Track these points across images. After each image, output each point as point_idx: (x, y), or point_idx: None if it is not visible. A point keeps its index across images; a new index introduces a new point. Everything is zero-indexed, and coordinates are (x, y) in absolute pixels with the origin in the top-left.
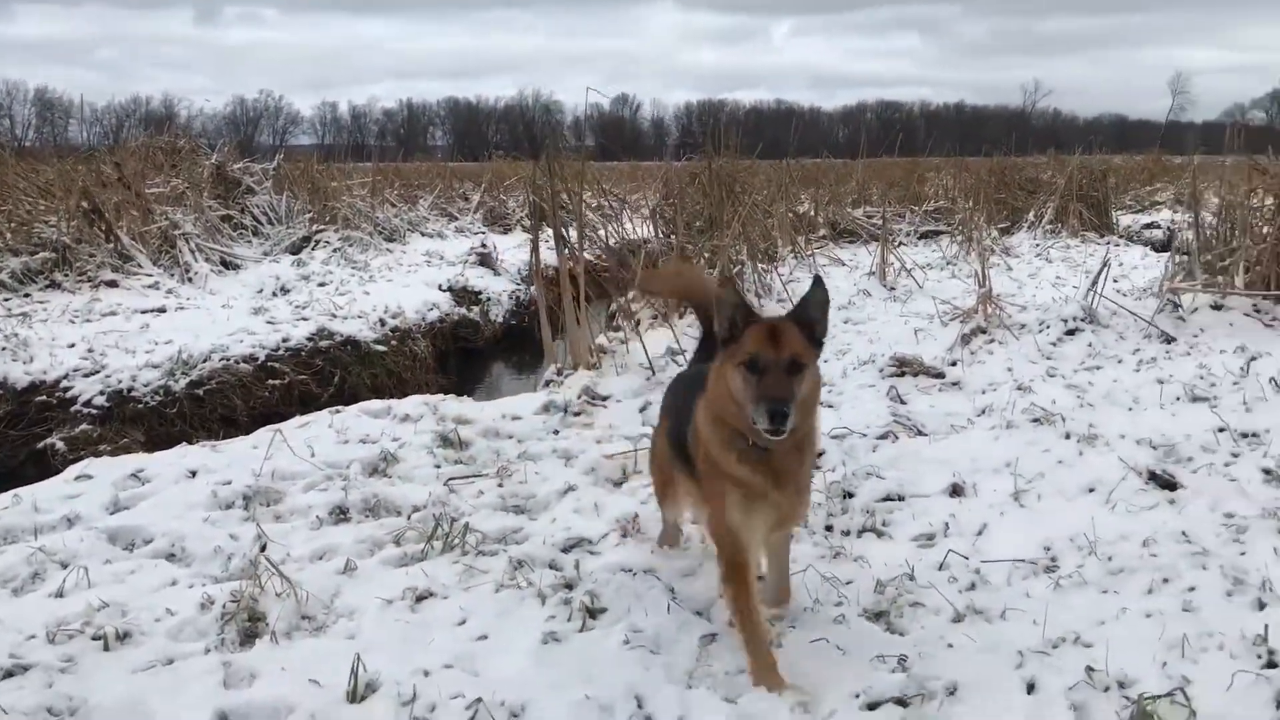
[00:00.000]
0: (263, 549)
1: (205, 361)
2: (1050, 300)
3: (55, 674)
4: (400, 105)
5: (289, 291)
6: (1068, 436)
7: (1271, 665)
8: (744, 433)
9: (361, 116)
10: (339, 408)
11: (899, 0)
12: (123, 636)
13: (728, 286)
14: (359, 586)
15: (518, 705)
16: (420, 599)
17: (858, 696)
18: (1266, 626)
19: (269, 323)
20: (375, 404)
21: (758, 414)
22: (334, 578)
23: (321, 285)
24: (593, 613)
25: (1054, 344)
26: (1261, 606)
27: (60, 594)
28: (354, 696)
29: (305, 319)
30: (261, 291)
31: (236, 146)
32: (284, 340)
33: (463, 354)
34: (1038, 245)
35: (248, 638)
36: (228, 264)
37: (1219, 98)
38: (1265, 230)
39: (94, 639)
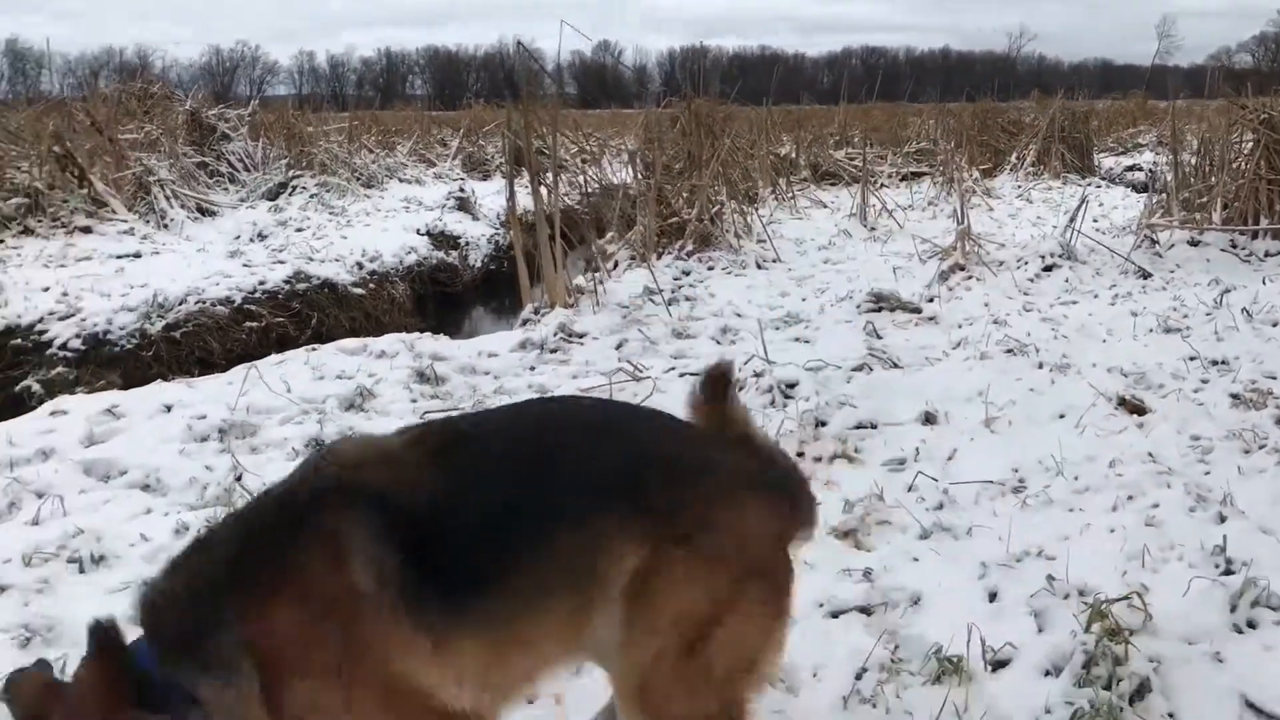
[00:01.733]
0: (238, 478)
1: (181, 304)
2: (1029, 238)
3: (31, 594)
4: (379, 54)
5: (266, 237)
6: (1040, 366)
7: (1228, 572)
8: None
9: (340, 66)
10: (315, 346)
11: None
12: (98, 560)
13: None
14: None
15: None
16: None
17: (821, 605)
18: (1225, 537)
19: (245, 266)
20: (351, 342)
21: None
22: None
23: (299, 230)
24: None
25: (1031, 280)
26: (1222, 520)
27: (36, 522)
28: None
29: (282, 262)
30: (239, 237)
31: (212, 95)
32: (260, 283)
33: (441, 298)
34: (1019, 187)
35: None
36: (204, 210)
37: (1206, 40)
38: (1243, 167)
39: (69, 562)
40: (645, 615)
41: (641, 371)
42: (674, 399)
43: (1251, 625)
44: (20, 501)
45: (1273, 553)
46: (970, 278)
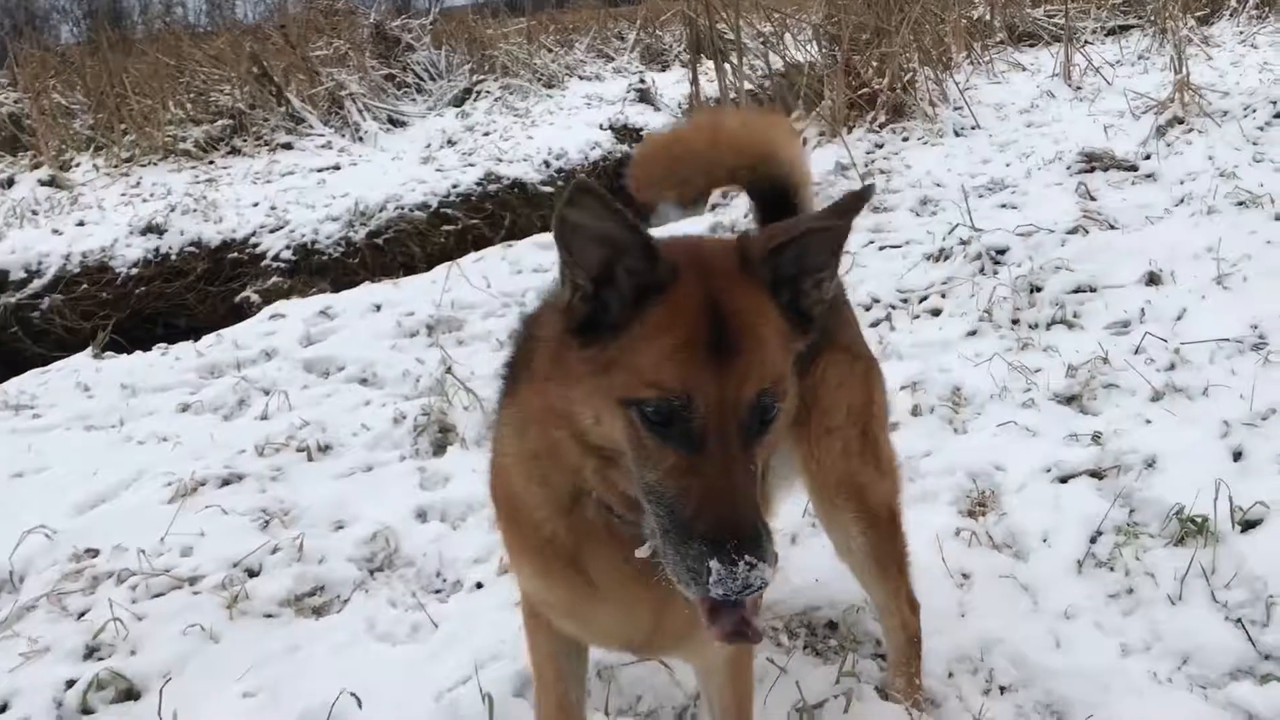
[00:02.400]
0: (448, 370)
1: (381, 211)
2: (1257, 84)
3: (267, 481)
4: None
5: (455, 143)
6: (1277, 218)
7: None
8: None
9: None
10: (511, 243)
11: None
12: (324, 449)
13: (584, 194)
14: None
15: None
16: None
17: (1048, 471)
18: None
19: (438, 171)
20: (545, 236)
21: (682, 558)
22: None
23: (486, 134)
24: None
25: (1261, 129)
26: None
27: (265, 416)
28: None
29: (472, 165)
30: (429, 144)
31: (393, 7)
32: (454, 187)
33: (628, 190)
34: (1241, 33)
35: (439, 448)
36: (394, 121)
37: None
38: None
39: (298, 451)
40: (826, 416)
41: None
42: (873, 273)
43: None
44: (249, 399)
45: None
46: (1191, 130)
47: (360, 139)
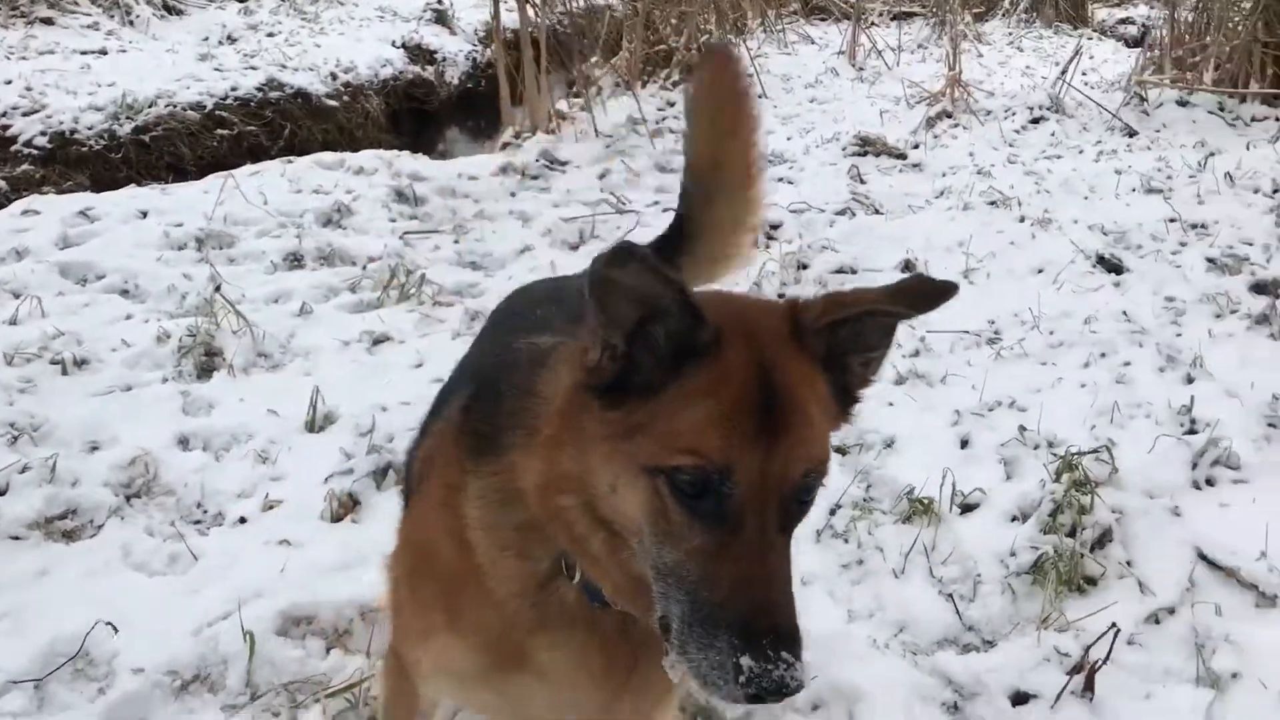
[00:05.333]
0: (217, 289)
1: (151, 107)
2: (1018, 88)
3: (15, 394)
4: None
5: (236, 40)
6: (1022, 220)
7: (1192, 431)
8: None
9: None
10: (291, 158)
11: None
12: (80, 363)
13: (629, 256)
14: (315, 329)
15: None
16: (377, 342)
17: None
18: (1193, 398)
19: (217, 71)
20: (328, 156)
21: (705, 653)
22: (290, 319)
23: (270, 35)
24: None
25: (1018, 131)
26: (1190, 380)
27: (14, 321)
28: (313, 426)
29: (254, 68)
30: (207, 39)
31: None
32: (232, 89)
33: (416, 115)
34: (1010, 34)
35: (204, 371)
36: (170, 8)
37: None
38: (1239, 27)
39: (52, 363)
40: None
41: (625, 204)
42: (657, 233)
43: (1210, 483)
44: None
45: (1236, 415)
46: (957, 125)
47: (131, 23)
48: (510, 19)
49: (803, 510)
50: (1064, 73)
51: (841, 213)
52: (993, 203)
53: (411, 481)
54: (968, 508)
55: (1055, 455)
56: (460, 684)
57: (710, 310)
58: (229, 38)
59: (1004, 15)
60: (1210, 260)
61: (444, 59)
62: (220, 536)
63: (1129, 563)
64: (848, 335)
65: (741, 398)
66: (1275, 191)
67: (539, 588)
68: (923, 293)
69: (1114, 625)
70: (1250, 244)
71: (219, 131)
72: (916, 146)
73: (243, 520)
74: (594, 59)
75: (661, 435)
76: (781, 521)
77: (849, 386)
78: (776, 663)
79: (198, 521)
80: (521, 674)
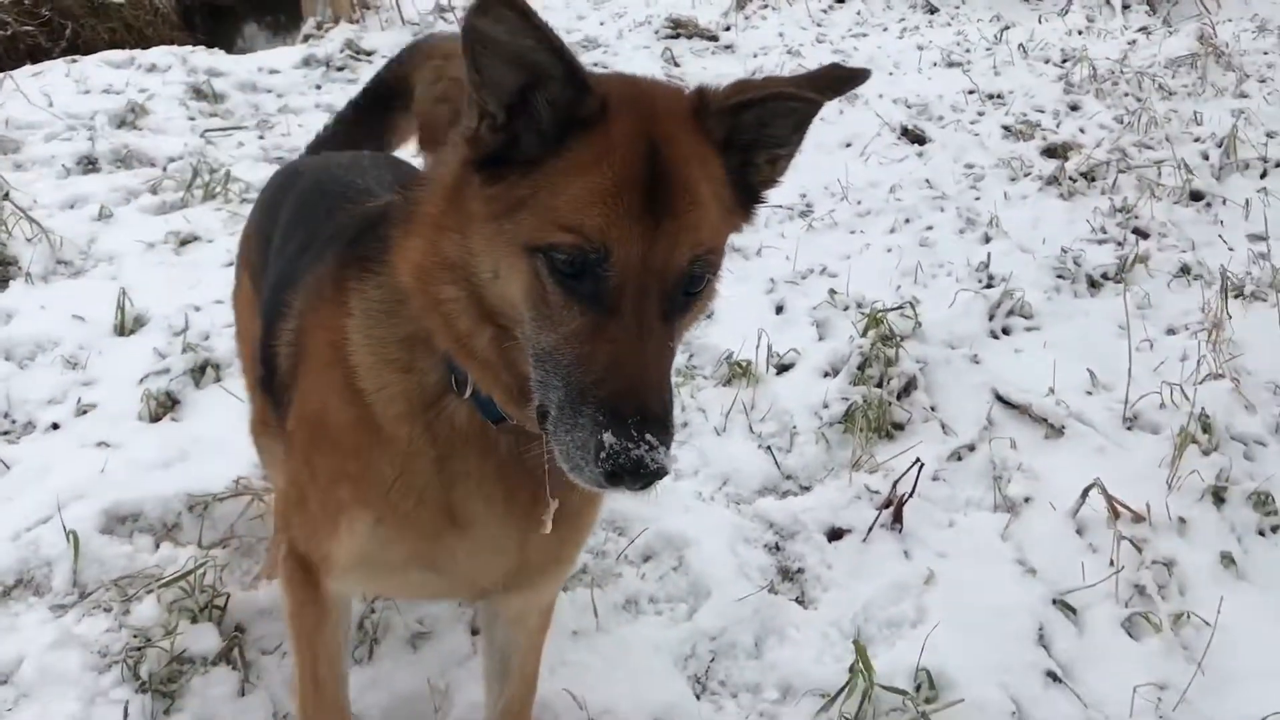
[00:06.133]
0: (5, 195)
1: None
2: None
3: None
4: None
5: None
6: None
7: (989, 286)
8: (462, 371)
9: None
10: (75, 57)
11: None
12: None
13: (498, 2)
14: (117, 232)
15: None
16: (184, 243)
17: None
18: (989, 255)
19: None
20: (117, 54)
21: (570, 433)
22: (89, 224)
23: None
24: None
25: (825, 11)
26: (987, 240)
27: None
28: (122, 330)
29: None
30: None
31: None
32: None
33: (211, 10)
34: None
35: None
36: None
37: None
38: None
39: None
40: None
41: None
42: None
43: (1006, 331)
44: None
45: (1028, 268)
46: (766, 6)
47: None
48: None
49: (690, 303)
50: None
51: None
52: None
53: (283, 372)
54: (783, 368)
55: (863, 314)
56: (376, 564)
57: (604, 84)
58: None
59: None
60: (1005, 128)
61: None
62: (32, 444)
63: (933, 408)
64: (753, 123)
65: (624, 174)
66: (1064, 61)
67: (427, 406)
68: (834, 77)
69: (918, 460)
70: (1042, 111)
71: None
72: (728, 29)
73: (55, 426)
74: None
75: (541, 211)
76: (664, 309)
77: (754, 184)
78: (639, 442)
79: (5, 432)
80: (447, 539)
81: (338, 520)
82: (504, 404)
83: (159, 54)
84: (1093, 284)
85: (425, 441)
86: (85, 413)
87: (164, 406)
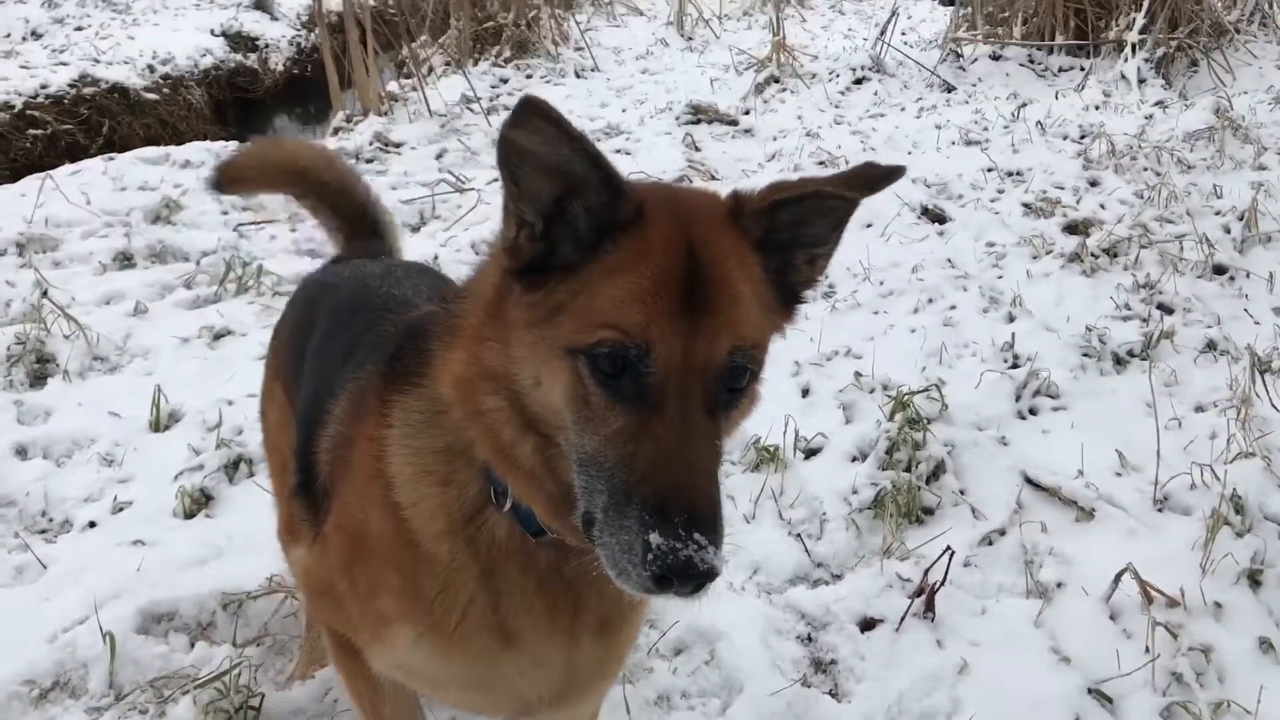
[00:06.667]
0: (44, 294)
1: None
2: (841, 50)
3: None
4: None
5: (42, 36)
6: None
7: (1015, 366)
8: (501, 483)
9: None
10: (112, 155)
11: None
12: None
13: (532, 114)
14: (152, 328)
15: None
16: (218, 337)
17: None
18: (1014, 335)
19: (23, 68)
20: (152, 150)
21: (615, 535)
22: (124, 320)
23: (79, 29)
24: None
25: (842, 93)
26: (1011, 319)
27: None
28: (157, 425)
29: (65, 64)
30: (9, 35)
31: None
32: (43, 87)
33: (242, 104)
34: None
35: (38, 379)
36: None
37: None
38: None
39: None
40: None
41: (464, 182)
42: (498, 210)
43: (1033, 412)
44: None
45: (1053, 347)
46: (785, 90)
47: None
48: (333, 1)
49: (734, 399)
50: (883, 33)
51: (679, 180)
52: (821, 163)
53: (323, 479)
54: (811, 452)
55: (889, 397)
56: (417, 676)
57: (639, 189)
58: (34, 33)
59: None
60: (1026, 205)
61: (267, 45)
62: (69, 543)
63: (962, 491)
64: (789, 223)
65: (663, 272)
66: (1083, 137)
67: (467, 520)
68: (869, 176)
69: (949, 549)
70: (1061, 188)
71: (31, 132)
72: (747, 112)
73: (92, 525)
74: (422, 38)
75: (581, 313)
76: (708, 406)
77: (794, 284)
78: (687, 542)
79: (43, 530)
80: (495, 659)
81: (379, 632)
82: (545, 516)
83: (193, 149)
84: (1118, 361)
85: (468, 556)
86: (121, 510)
87: (198, 503)
